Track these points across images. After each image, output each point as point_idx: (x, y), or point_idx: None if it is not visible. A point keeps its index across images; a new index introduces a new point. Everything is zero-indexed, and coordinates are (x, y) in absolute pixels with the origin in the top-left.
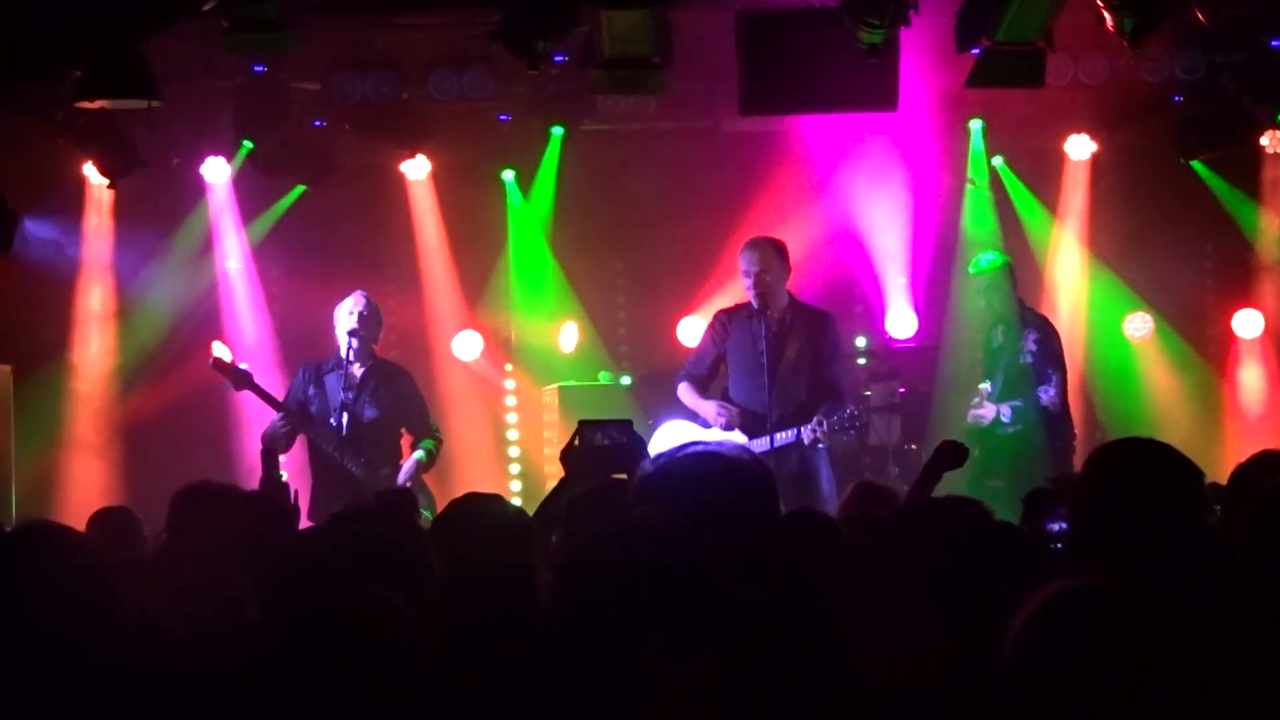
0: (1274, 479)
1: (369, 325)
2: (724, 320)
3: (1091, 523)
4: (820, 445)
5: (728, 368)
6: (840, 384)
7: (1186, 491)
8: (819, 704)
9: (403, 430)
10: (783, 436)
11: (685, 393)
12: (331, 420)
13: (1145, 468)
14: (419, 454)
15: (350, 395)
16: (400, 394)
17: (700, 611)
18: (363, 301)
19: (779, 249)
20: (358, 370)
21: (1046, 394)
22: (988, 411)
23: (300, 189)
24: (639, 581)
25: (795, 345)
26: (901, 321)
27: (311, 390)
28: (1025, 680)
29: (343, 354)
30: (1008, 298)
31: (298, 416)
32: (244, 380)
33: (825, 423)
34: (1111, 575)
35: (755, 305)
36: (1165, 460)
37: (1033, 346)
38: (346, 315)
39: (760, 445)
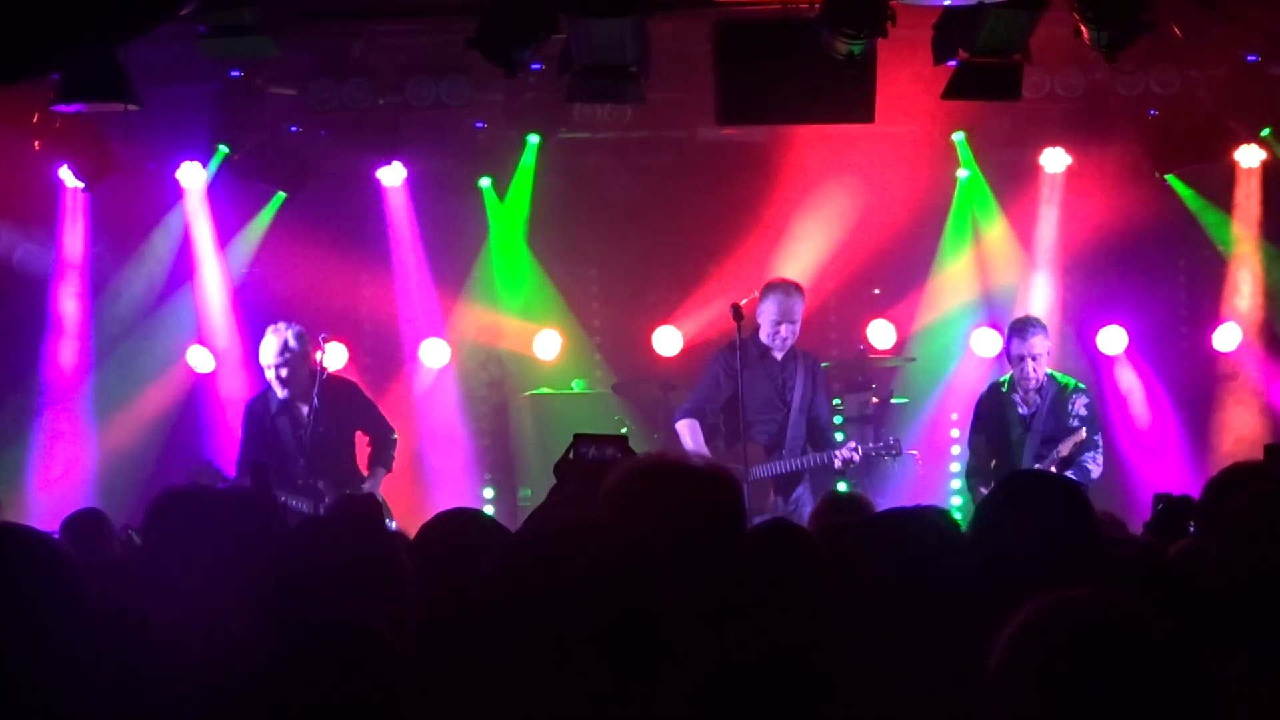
0: (1241, 496)
1: (297, 360)
2: (728, 359)
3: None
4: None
5: (740, 403)
6: (823, 423)
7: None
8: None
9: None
10: (803, 461)
11: (687, 432)
12: (301, 460)
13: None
14: (380, 470)
15: (304, 431)
16: (354, 406)
17: (618, 614)
18: (285, 335)
19: (804, 296)
20: (303, 408)
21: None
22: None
23: (280, 198)
24: (557, 582)
25: (801, 382)
26: (881, 333)
27: (270, 435)
28: (1012, 693)
29: (278, 394)
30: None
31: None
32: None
33: (860, 448)
34: (1094, 592)
35: (783, 349)
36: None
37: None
38: (275, 355)
39: (771, 469)
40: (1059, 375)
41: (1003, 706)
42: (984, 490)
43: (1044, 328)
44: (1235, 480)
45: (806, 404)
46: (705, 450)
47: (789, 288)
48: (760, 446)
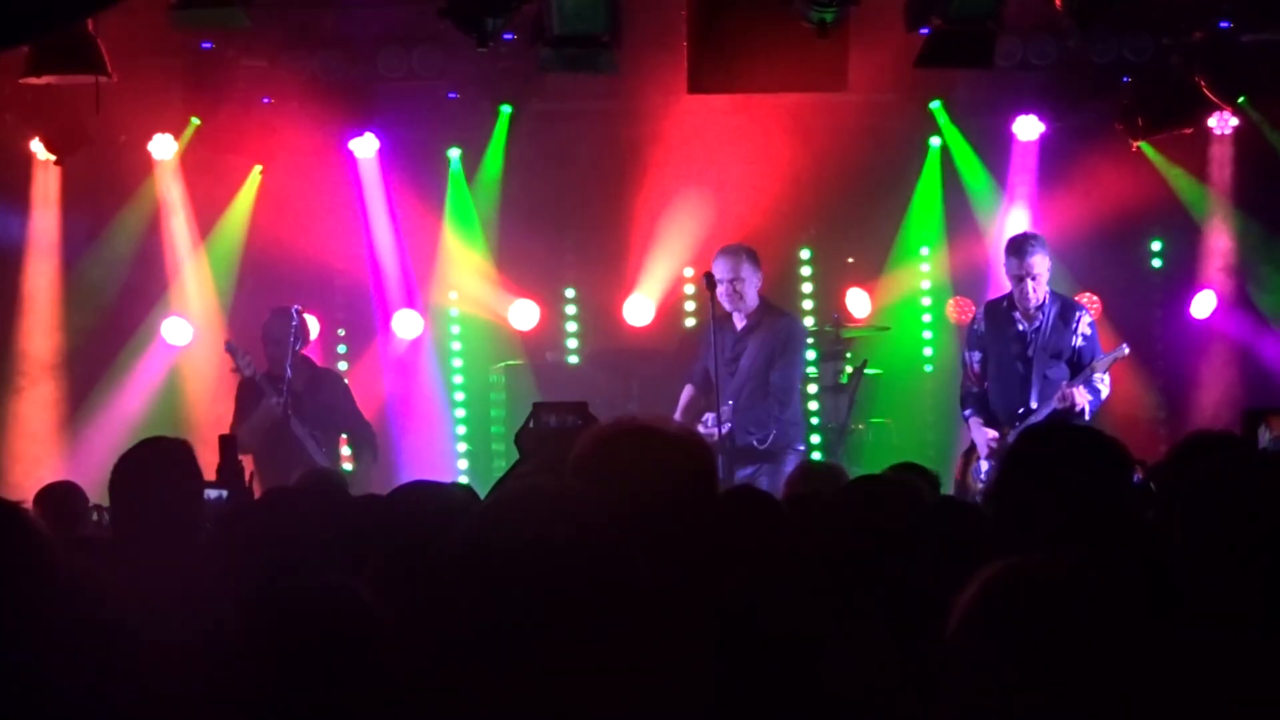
0: (1202, 465)
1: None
2: (713, 325)
3: (1010, 505)
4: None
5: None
6: (783, 390)
7: (1106, 477)
8: (757, 681)
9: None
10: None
11: (681, 398)
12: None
13: (1064, 452)
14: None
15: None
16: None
17: (592, 581)
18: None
19: (753, 257)
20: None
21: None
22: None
23: (257, 174)
24: (527, 548)
25: (753, 349)
26: (858, 301)
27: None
28: (968, 659)
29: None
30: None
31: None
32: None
33: (721, 425)
34: (1052, 556)
35: (726, 310)
36: (1085, 445)
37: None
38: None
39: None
40: (1058, 292)
41: (958, 672)
42: (972, 416)
43: (1044, 244)
44: (1199, 447)
45: (759, 371)
46: (679, 415)
47: (724, 249)
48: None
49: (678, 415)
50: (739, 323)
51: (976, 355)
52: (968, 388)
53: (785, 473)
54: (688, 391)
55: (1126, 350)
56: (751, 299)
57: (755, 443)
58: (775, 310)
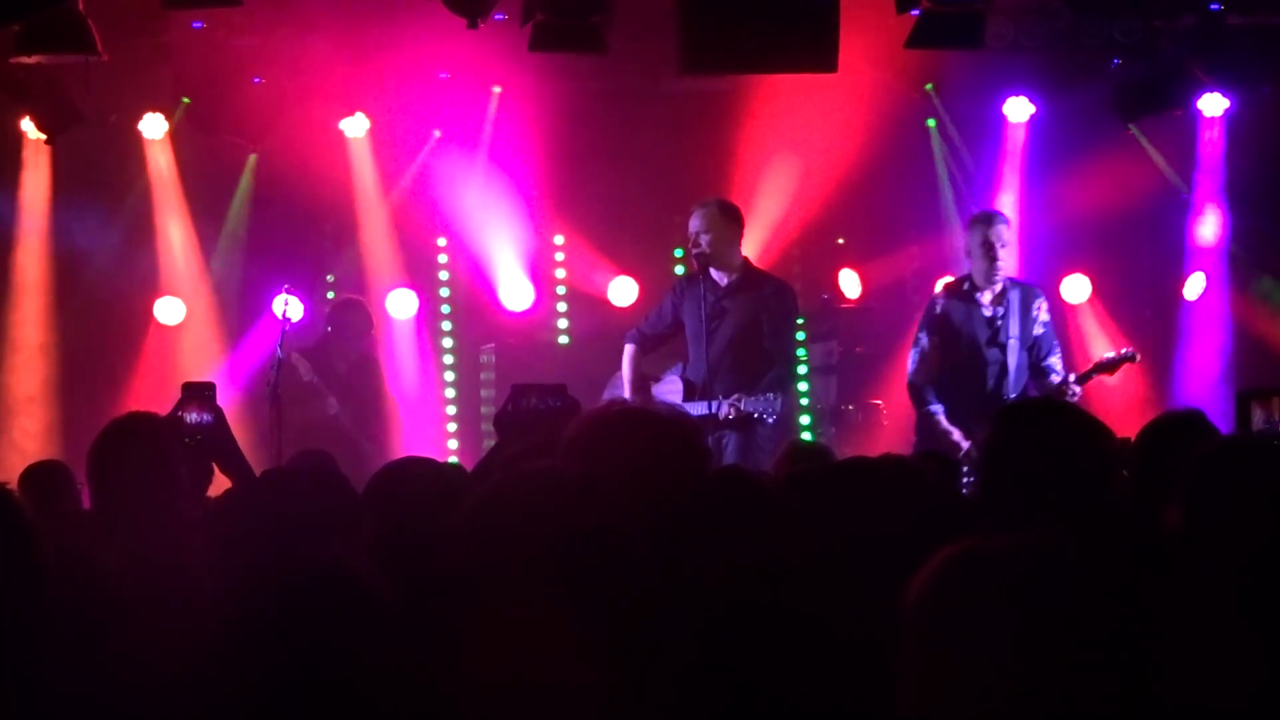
0: (1200, 444)
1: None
2: (681, 286)
3: (994, 482)
4: (760, 417)
5: (686, 335)
6: (780, 357)
7: (1090, 453)
8: (745, 662)
9: None
10: (721, 408)
11: (625, 358)
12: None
13: (1048, 428)
14: None
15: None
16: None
17: (588, 561)
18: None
19: (725, 210)
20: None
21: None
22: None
23: (253, 159)
24: (530, 531)
25: (739, 313)
26: (850, 282)
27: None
28: (922, 637)
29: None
30: None
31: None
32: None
33: (743, 402)
34: (1008, 535)
35: (696, 268)
36: (1070, 422)
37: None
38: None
39: (698, 410)
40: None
41: (911, 651)
42: (932, 404)
43: (1006, 219)
44: (1168, 428)
45: (747, 336)
46: (626, 374)
47: (697, 203)
48: (689, 382)
49: (623, 373)
50: (720, 281)
51: (934, 339)
52: (922, 375)
53: (759, 443)
54: (630, 351)
55: (1135, 356)
56: (731, 257)
57: (731, 413)
58: (762, 274)
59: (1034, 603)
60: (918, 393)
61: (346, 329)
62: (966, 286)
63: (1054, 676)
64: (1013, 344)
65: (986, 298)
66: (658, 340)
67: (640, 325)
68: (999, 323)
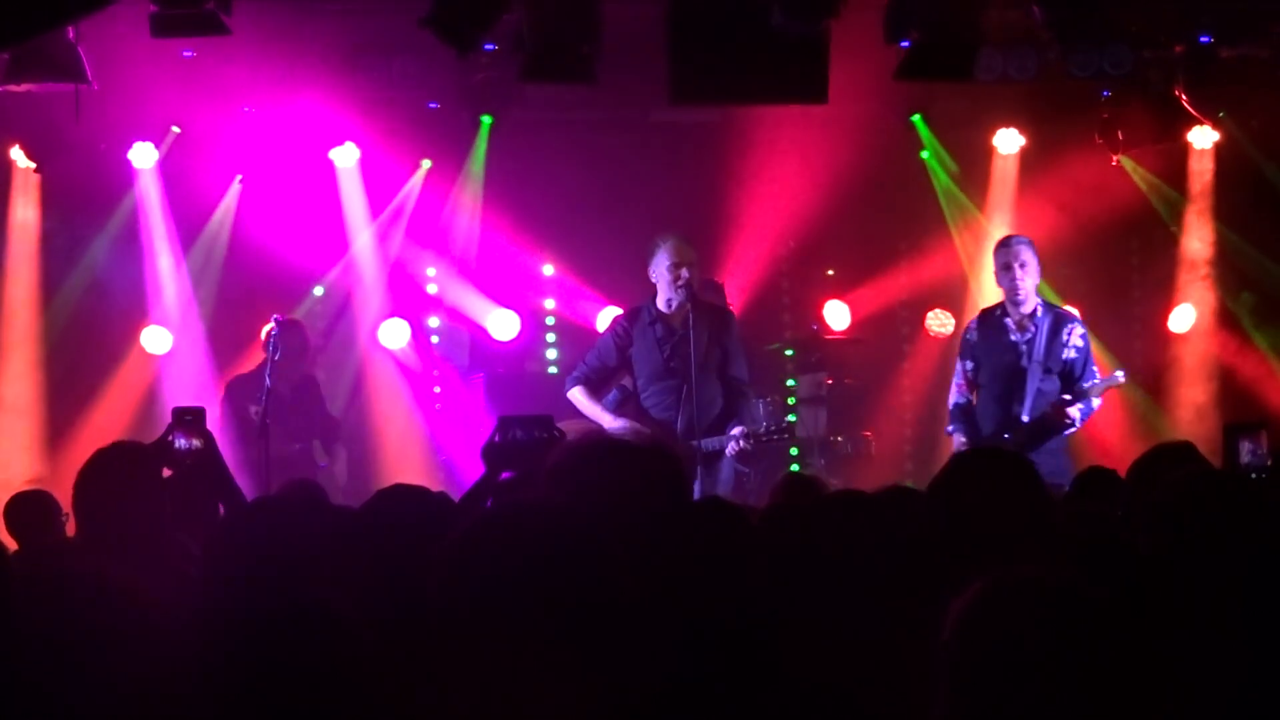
0: (1174, 473)
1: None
2: (625, 325)
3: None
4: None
5: (634, 374)
6: (747, 383)
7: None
8: (728, 690)
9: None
10: (711, 444)
11: (580, 398)
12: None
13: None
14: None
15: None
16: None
17: (572, 592)
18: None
19: (689, 241)
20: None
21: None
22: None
23: (238, 182)
24: (519, 564)
25: (701, 346)
26: (837, 314)
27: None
28: (963, 664)
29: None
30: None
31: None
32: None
33: (752, 438)
34: (1049, 567)
35: (680, 300)
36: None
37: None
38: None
39: (711, 445)
40: (1051, 297)
41: (955, 678)
42: (958, 436)
43: (1029, 242)
44: (1160, 459)
45: (714, 368)
46: (597, 409)
47: (684, 237)
48: (661, 425)
49: (594, 413)
50: (667, 311)
51: (969, 364)
52: (956, 399)
53: (722, 480)
54: (582, 391)
55: (1122, 378)
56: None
57: (716, 445)
58: (708, 304)
59: (1068, 631)
60: (949, 416)
61: (290, 351)
62: (998, 312)
63: (1084, 700)
64: (1035, 367)
65: (1014, 322)
66: (602, 380)
67: (580, 368)
68: (1023, 346)
